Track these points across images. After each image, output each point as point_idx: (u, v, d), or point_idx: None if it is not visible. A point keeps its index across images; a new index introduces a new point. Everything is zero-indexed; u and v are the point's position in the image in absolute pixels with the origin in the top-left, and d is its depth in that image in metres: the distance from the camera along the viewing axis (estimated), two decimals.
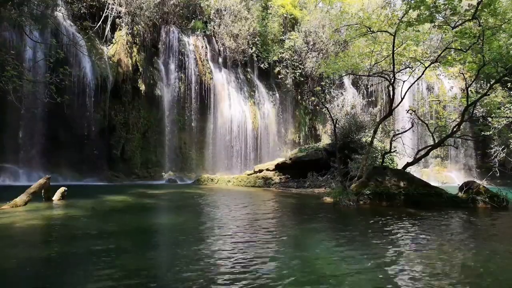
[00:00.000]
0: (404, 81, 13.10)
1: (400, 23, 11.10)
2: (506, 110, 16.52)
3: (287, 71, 25.65)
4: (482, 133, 19.09)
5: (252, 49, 24.43)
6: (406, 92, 12.78)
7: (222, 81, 23.41)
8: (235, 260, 4.14)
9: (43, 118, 16.19)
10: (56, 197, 9.00)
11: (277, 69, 25.51)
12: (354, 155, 14.30)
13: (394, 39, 11.39)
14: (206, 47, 23.35)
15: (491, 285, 3.65)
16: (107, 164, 18.58)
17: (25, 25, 13.44)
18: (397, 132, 14.88)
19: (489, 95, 14.11)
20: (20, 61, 13.01)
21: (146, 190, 13.11)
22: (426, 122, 15.02)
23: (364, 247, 4.98)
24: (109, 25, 19.40)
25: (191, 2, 23.13)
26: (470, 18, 10.14)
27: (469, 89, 12.51)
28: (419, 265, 4.14)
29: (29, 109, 15.35)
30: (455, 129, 12.31)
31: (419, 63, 13.28)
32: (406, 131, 13.95)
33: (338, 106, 21.65)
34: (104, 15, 19.02)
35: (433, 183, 11.40)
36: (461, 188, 10.39)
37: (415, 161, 12.29)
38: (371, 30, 12.18)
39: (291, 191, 14.40)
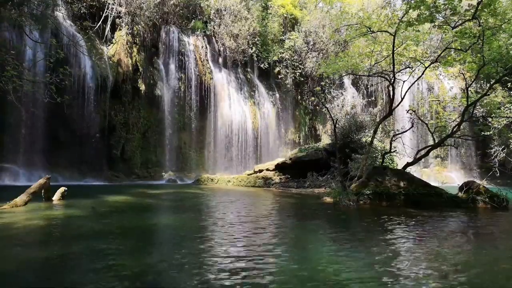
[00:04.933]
0: (404, 81, 13.10)
1: (400, 23, 11.10)
2: (506, 110, 16.52)
3: (287, 71, 25.65)
4: (482, 133, 19.07)
5: (252, 49, 24.42)
6: (406, 92, 12.77)
7: (222, 81, 23.41)
8: (235, 260, 4.14)
9: (43, 118, 16.18)
10: (56, 197, 8.99)
11: (277, 69, 25.52)
12: (354, 155, 14.31)
13: (394, 39, 11.39)
14: (206, 47, 23.35)
15: (491, 285, 3.65)
16: (107, 164, 18.58)
17: (25, 25, 13.44)
18: (397, 132, 14.87)
19: (489, 95, 14.11)
20: (20, 61, 13.00)
21: (146, 190, 13.11)
22: (426, 122, 15.02)
23: (364, 247, 4.97)
24: (109, 25, 19.40)
25: (191, 2, 23.12)
26: (470, 18, 10.14)
27: (469, 89, 12.51)
28: (418, 265, 4.14)
29: (29, 109, 15.35)
30: (455, 129, 12.31)
31: (419, 63, 13.28)
32: (406, 131, 13.94)
33: (338, 106, 21.66)
34: (104, 15, 19.02)
35: (433, 183, 11.40)
36: (461, 188, 10.39)
37: (415, 161, 12.29)
38: (371, 30, 12.18)
39: (291, 191, 14.40)
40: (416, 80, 13.89)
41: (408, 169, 12.08)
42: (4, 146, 15.31)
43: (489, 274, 3.94)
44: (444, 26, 11.24)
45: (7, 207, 7.45)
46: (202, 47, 23.06)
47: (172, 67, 21.69)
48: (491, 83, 12.50)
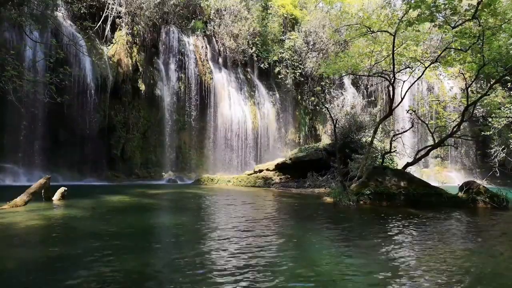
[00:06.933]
0: (404, 81, 13.10)
1: (400, 23, 11.10)
2: (506, 110, 16.54)
3: (287, 71, 25.63)
4: (482, 133, 19.11)
5: (252, 49, 24.41)
6: (406, 92, 12.79)
7: (222, 81, 23.39)
8: (235, 261, 4.14)
9: (43, 118, 16.18)
10: (56, 197, 9.00)
11: (277, 69, 25.50)
12: (354, 155, 14.31)
13: (394, 39, 11.40)
14: (206, 47, 23.34)
15: (491, 286, 3.65)
16: (107, 164, 18.58)
17: (25, 25, 13.43)
18: (397, 132, 14.88)
19: (489, 95, 14.13)
20: (20, 61, 12.99)
21: (146, 190, 13.11)
22: (426, 122, 15.04)
23: (364, 247, 4.98)
24: (109, 25, 19.39)
25: (191, 2, 23.10)
26: (470, 18, 10.14)
27: (469, 89, 12.52)
28: (418, 266, 4.14)
29: (29, 109, 15.34)
30: (455, 129, 12.32)
31: (419, 63, 13.28)
32: (406, 131, 13.97)
33: (338, 106, 21.66)
34: (104, 15, 19.01)
35: (433, 183, 11.40)
36: (461, 188, 10.40)
37: (415, 161, 12.30)
38: (371, 30, 12.18)
39: (291, 191, 14.40)
40: (416, 80, 13.90)
41: (408, 169, 12.09)
42: (4, 146, 15.31)
43: (489, 275, 3.94)
44: (444, 26, 11.24)
45: (7, 207, 7.45)
46: (202, 47, 23.05)
47: (172, 67, 21.67)
48: (491, 83, 12.51)
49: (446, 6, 10.42)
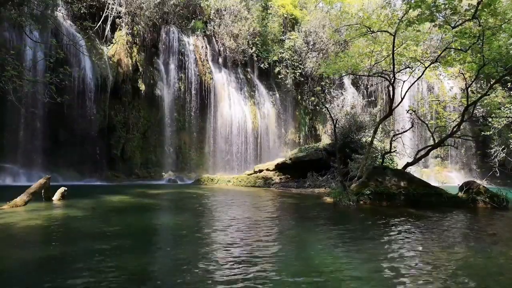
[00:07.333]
0: (404, 81, 13.10)
1: (400, 23, 11.10)
2: (506, 110, 16.54)
3: (287, 71, 25.63)
4: (482, 133, 19.12)
5: (252, 49, 24.41)
6: (406, 92, 12.78)
7: (222, 81, 23.40)
8: (235, 261, 4.14)
9: (43, 118, 16.19)
10: (56, 197, 9.00)
11: (277, 69, 25.50)
12: (354, 155, 14.30)
13: (394, 39, 11.39)
14: (206, 47, 23.34)
15: (491, 286, 3.64)
16: (107, 164, 18.58)
17: (25, 25, 13.43)
18: (397, 132, 14.88)
19: (489, 95, 14.12)
20: (20, 61, 12.98)
21: (146, 190, 13.11)
22: (426, 122, 15.04)
23: (364, 247, 4.97)
24: (109, 25, 19.39)
25: (191, 2, 23.10)
26: (470, 18, 10.14)
27: (469, 89, 12.52)
28: (418, 265, 4.14)
29: (29, 109, 15.34)
30: (455, 129, 12.32)
31: (419, 63, 13.28)
32: (406, 131, 13.97)
33: (338, 106, 21.64)
34: (104, 15, 19.01)
35: (433, 183, 11.40)
36: (461, 188, 10.40)
37: (415, 161, 12.30)
38: (371, 30, 12.18)
39: (291, 191, 14.40)
40: (416, 80, 13.89)
41: (408, 169, 12.09)
42: (4, 146, 15.31)
43: (489, 275, 3.94)
44: (444, 26, 11.23)
45: (7, 207, 7.45)
46: (202, 47, 23.05)
47: (172, 67, 21.68)
48: (491, 83, 12.51)
49: (446, 6, 10.41)
